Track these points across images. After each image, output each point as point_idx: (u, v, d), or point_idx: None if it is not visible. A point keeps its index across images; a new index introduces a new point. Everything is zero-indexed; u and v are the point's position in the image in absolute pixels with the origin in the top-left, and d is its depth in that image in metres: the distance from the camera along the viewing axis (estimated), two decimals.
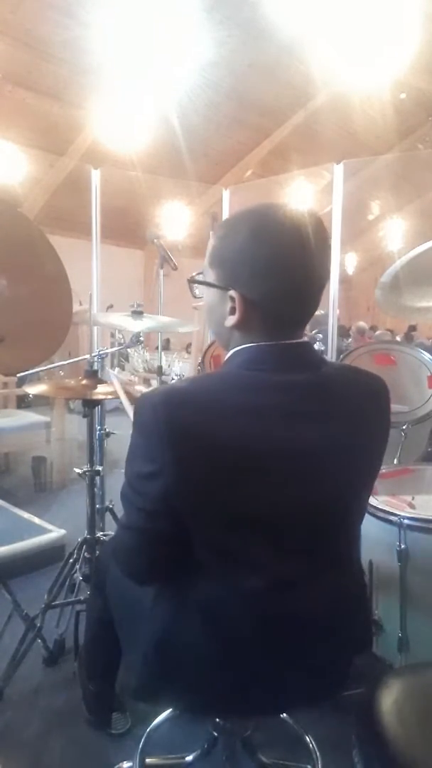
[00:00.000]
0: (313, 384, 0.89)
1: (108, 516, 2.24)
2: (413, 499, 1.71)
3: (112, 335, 6.38)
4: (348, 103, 7.10)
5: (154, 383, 4.57)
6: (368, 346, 2.60)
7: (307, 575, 0.91)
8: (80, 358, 2.10)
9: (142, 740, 1.37)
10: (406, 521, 1.53)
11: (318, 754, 1.33)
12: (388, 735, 0.83)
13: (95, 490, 1.88)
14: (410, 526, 1.53)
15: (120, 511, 1.04)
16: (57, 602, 1.83)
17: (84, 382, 1.77)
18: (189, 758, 1.37)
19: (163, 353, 3.01)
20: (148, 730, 1.41)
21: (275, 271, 0.86)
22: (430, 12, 5.46)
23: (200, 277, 0.96)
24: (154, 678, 0.97)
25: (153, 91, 6.04)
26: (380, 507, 1.61)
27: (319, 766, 1.31)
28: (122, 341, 5.60)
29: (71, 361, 2.22)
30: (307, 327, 1.02)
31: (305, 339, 0.93)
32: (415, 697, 0.93)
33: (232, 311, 0.88)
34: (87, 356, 1.94)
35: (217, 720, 1.22)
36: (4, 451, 3.87)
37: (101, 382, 1.79)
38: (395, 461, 2.06)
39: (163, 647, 0.95)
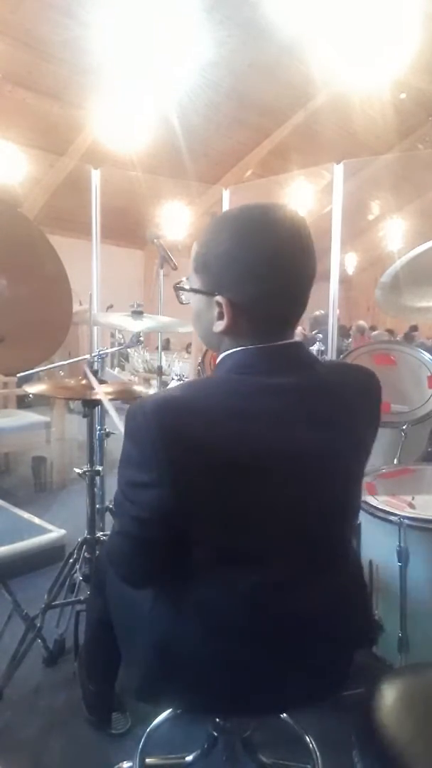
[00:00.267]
0: (305, 386, 0.88)
1: (108, 516, 2.24)
2: (413, 499, 1.71)
3: (112, 335, 6.39)
4: (348, 103, 7.09)
5: (154, 383, 4.57)
6: (368, 346, 2.60)
7: (306, 575, 0.91)
8: (80, 358, 2.10)
9: (142, 740, 1.37)
10: (406, 521, 1.53)
11: (318, 754, 1.33)
12: (388, 735, 0.83)
13: (95, 490, 1.88)
14: (410, 526, 1.53)
15: None
16: (57, 602, 1.83)
17: (84, 382, 1.77)
18: (189, 758, 1.37)
19: (163, 353, 3.01)
20: (148, 730, 1.40)
21: (261, 274, 0.85)
22: (430, 12, 5.46)
23: (186, 284, 0.96)
24: (155, 679, 0.97)
25: (153, 91, 6.04)
26: (380, 507, 1.61)
27: (319, 766, 1.31)
28: (122, 341, 5.61)
29: (71, 361, 2.22)
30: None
31: (296, 339, 0.92)
32: (414, 697, 0.93)
33: (220, 316, 0.88)
34: (87, 356, 1.94)
35: (217, 720, 1.22)
36: (4, 451, 3.87)
37: (101, 382, 1.79)
38: (395, 461, 2.06)
39: (163, 649, 0.95)
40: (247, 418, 0.82)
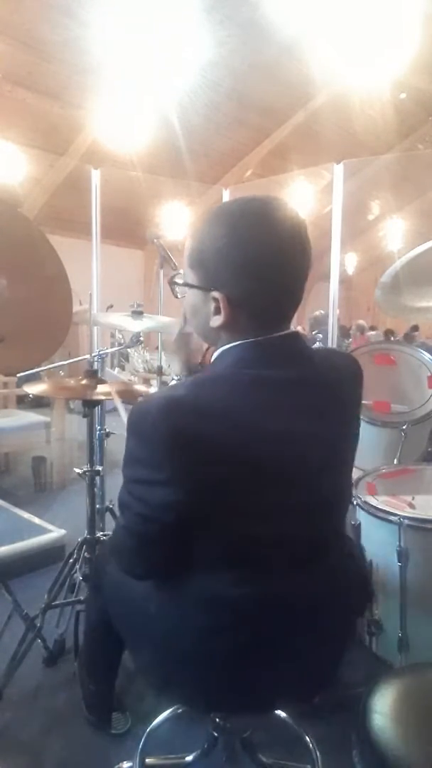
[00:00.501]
0: (303, 378, 0.90)
1: (108, 516, 2.24)
2: (413, 499, 1.71)
3: (112, 335, 6.39)
4: (348, 103, 7.09)
5: (154, 383, 4.57)
6: (368, 346, 2.60)
7: (306, 566, 0.93)
8: (80, 358, 2.11)
9: (142, 740, 1.37)
10: (406, 521, 1.53)
11: (318, 754, 1.33)
12: (387, 735, 0.83)
13: (95, 490, 1.88)
14: (410, 526, 1.53)
15: None
16: (57, 602, 1.83)
17: (84, 382, 1.77)
18: (189, 758, 1.37)
19: (163, 353, 3.01)
20: (148, 730, 1.41)
21: (258, 270, 0.86)
22: (430, 12, 5.46)
23: (181, 278, 0.96)
24: (162, 678, 1.00)
25: (153, 91, 6.04)
26: (380, 507, 1.61)
27: (319, 766, 1.31)
28: (122, 341, 5.60)
29: (71, 361, 2.23)
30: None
31: (292, 330, 0.92)
32: (414, 697, 0.93)
33: (217, 311, 0.88)
34: (87, 356, 1.94)
35: (217, 720, 1.22)
36: (4, 451, 3.87)
37: (101, 382, 1.79)
38: (395, 461, 2.06)
39: (169, 648, 0.96)
40: (251, 413, 0.83)
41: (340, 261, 3.30)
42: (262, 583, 0.89)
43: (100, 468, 1.88)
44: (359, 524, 1.66)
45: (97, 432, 2.14)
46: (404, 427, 2.10)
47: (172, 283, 0.99)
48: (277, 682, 0.97)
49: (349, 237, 9.10)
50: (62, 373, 2.96)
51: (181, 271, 0.98)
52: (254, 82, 6.55)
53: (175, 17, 5.19)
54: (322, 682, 1.06)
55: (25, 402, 4.79)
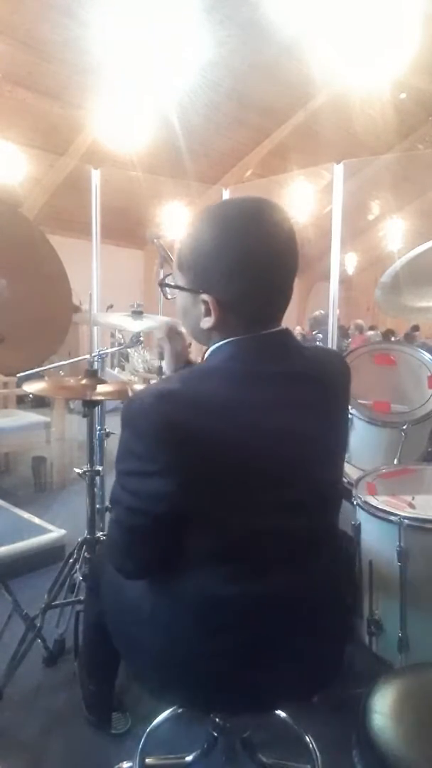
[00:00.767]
0: (293, 372, 0.90)
1: (108, 516, 2.24)
2: (413, 499, 1.71)
3: (112, 335, 6.38)
4: (348, 103, 7.09)
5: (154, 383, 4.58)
6: (368, 346, 2.59)
7: (298, 562, 0.93)
8: (80, 358, 2.11)
9: (142, 740, 1.37)
10: (406, 521, 1.52)
11: (318, 754, 1.33)
12: (387, 735, 0.83)
13: (95, 490, 1.88)
14: (410, 526, 1.52)
15: None
16: (57, 602, 1.83)
17: (84, 382, 1.77)
18: (189, 758, 1.37)
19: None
20: (148, 730, 1.41)
21: (247, 272, 0.86)
22: (430, 12, 5.46)
23: (171, 280, 0.97)
24: (161, 680, 0.99)
25: (153, 91, 6.04)
26: (380, 507, 1.60)
27: (319, 766, 1.31)
28: (122, 341, 5.61)
29: (71, 361, 2.22)
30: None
31: (283, 327, 0.93)
32: (414, 697, 0.93)
33: (207, 313, 0.89)
34: (87, 356, 1.94)
35: (217, 720, 1.22)
36: (4, 451, 3.87)
37: (101, 382, 1.79)
38: (395, 461, 2.06)
39: (165, 649, 0.95)
40: (242, 407, 0.84)
41: (340, 261, 3.30)
42: (258, 580, 0.89)
43: (100, 468, 1.88)
44: (359, 524, 1.65)
45: (97, 432, 2.14)
46: (404, 427, 2.09)
47: (162, 285, 1.00)
48: (275, 681, 0.96)
49: (349, 237, 9.10)
50: (62, 373, 2.96)
51: (170, 274, 0.98)
52: (254, 82, 6.55)
53: (175, 17, 5.19)
54: (322, 679, 1.06)
55: (25, 402, 4.79)
